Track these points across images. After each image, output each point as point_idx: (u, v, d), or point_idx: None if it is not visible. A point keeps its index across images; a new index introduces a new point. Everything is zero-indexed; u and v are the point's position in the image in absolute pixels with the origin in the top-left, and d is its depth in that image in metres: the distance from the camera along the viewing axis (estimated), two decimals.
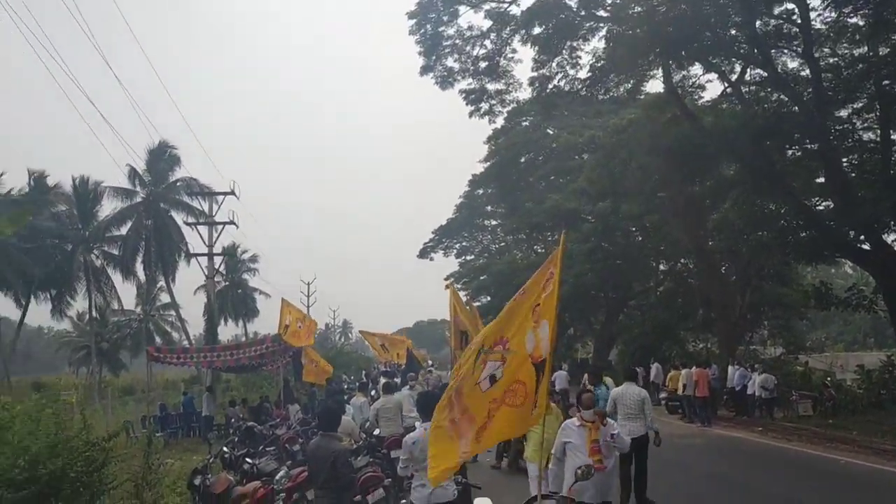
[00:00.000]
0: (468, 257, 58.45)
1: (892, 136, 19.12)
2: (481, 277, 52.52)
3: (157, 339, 47.39)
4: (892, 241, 19.39)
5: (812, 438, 16.54)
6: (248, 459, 10.83)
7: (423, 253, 57.80)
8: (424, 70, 25.61)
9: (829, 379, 22.81)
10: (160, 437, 21.94)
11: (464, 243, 58.92)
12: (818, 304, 21.36)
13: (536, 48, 23.12)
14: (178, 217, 41.16)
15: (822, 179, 21.08)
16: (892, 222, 18.49)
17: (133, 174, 40.90)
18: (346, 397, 17.32)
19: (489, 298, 50.78)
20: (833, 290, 21.10)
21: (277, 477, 8.47)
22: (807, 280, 31.84)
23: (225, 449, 12.78)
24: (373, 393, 21.62)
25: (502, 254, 53.81)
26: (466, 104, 26.92)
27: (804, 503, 10.48)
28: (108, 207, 41.92)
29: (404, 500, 7.82)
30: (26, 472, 7.21)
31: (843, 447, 15.11)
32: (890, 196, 17.24)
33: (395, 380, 18.19)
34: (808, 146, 20.49)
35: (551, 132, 43.17)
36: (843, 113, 20.28)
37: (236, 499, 8.70)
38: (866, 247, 19.11)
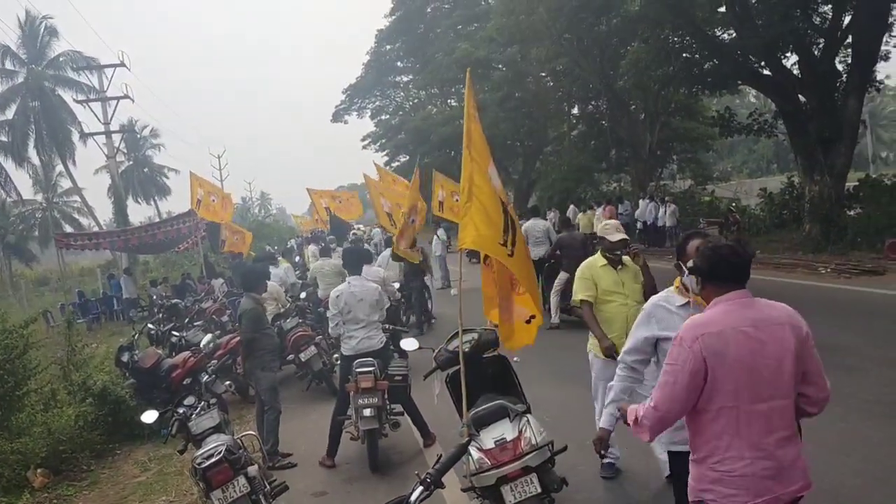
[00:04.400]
0: (383, 117, 57.09)
1: None
2: (398, 136, 51.87)
3: (67, 227, 45.55)
4: (791, 66, 19.85)
5: None
6: (174, 332, 10.81)
7: (337, 116, 56.13)
8: None
9: (733, 205, 23.94)
10: (82, 323, 21.66)
11: (377, 103, 57.26)
12: (722, 130, 22.04)
13: None
14: (67, 95, 38.52)
15: (723, 9, 21.12)
16: (791, 46, 18.86)
17: (7, 53, 37.77)
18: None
19: (407, 157, 50.48)
20: (737, 117, 21.73)
21: (202, 343, 8.46)
22: (713, 113, 32.71)
23: (150, 326, 12.70)
24: (297, 259, 21.64)
25: (417, 110, 52.79)
26: None
27: None
28: None
29: (337, 355, 7.99)
30: None
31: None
32: (789, 21, 17.50)
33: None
34: None
35: None
36: None
37: (168, 370, 8.75)
38: (767, 72, 19.53)
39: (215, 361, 8.35)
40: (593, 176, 35.04)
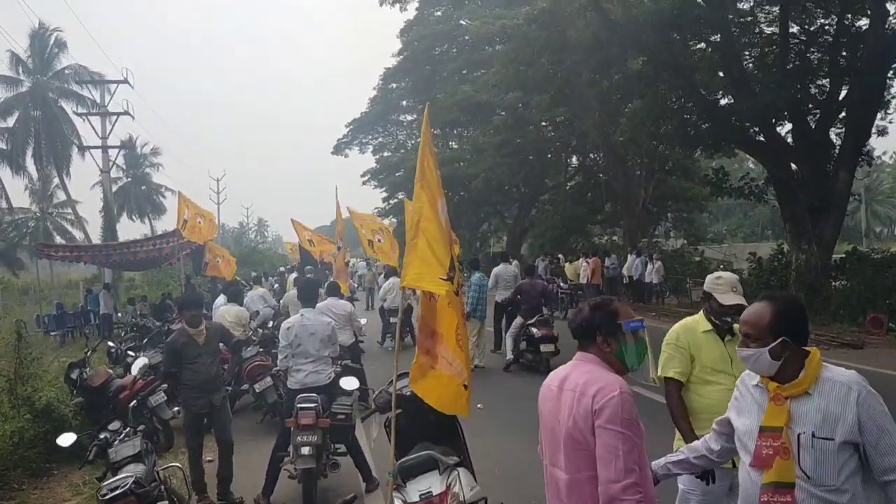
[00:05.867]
0: (385, 154, 57.20)
1: (792, 30, 19.39)
2: (397, 174, 51.93)
3: (58, 238, 45.35)
4: (785, 134, 19.95)
5: None
6: (130, 353, 10.57)
7: (338, 149, 56.18)
8: None
9: (721, 266, 23.84)
10: (55, 336, 21.39)
11: (380, 139, 57.48)
12: (714, 190, 22.04)
13: None
14: (69, 107, 38.70)
15: (722, 74, 21.32)
16: (786, 114, 18.98)
17: (15, 60, 38.01)
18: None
19: (404, 195, 50.44)
20: (730, 178, 21.75)
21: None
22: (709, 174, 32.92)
23: (111, 344, 12.46)
24: (275, 287, 21.46)
25: (418, 149, 52.80)
26: None
27: None
28: None
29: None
30: None
31: None
32: (786, 90, 17.61)
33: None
34: (711, 39, 20.59)
35: (464, 23, 42.08)
36: (746, 5, 20.41)
37: (116, 390, 8.50)
38: (761, 138, 19.61)
39: (165, 385, 8.11)
40: (586, 227, 35.07)
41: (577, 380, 2.61)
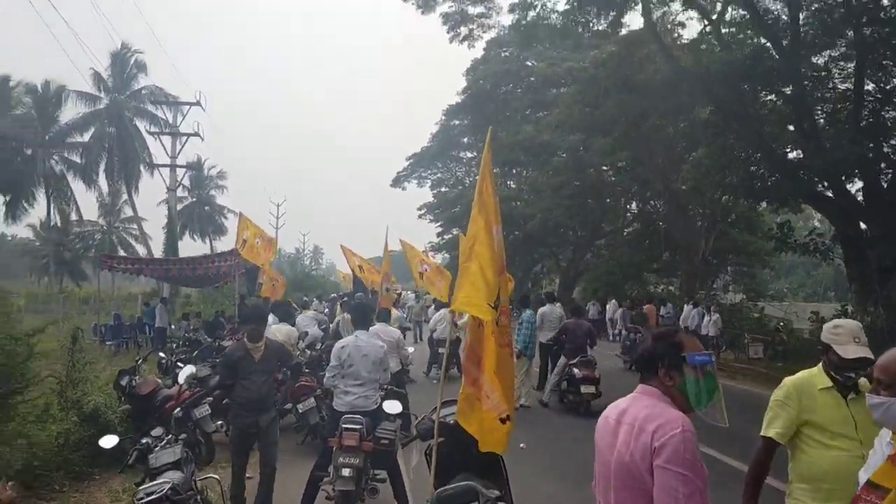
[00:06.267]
0: (442, 189, 57.63)
1: (867, 87, 18.92)
2: (453, 209, 52.17)
3: (121, 252, 46.74)
4: (855, 191, 19.37)
5: (758, 378, 16.80)
6: (179, 364, 10.67)
7: (397, 181, 56.90)
8: None
9: (782, 324, 23.10)
10: (110, 346, 21.88)
11: (439, 175, 58.02)
12: (778, 245, 21.40)
13: None
14: (142, 126, 40.21)
15: (793, 128, 20.91)
16: (857, 171, 18.44)
17: (97, 78, 39.65)
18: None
19: (459, 231, 50.55)
20: (795, 235, 21.17)
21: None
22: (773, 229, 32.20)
23: (162, 355, 12.64)
24: (326, 311, 21.64)
25: (475, 187, 53.01)
26: (446, 29, 26.22)
27: (731, 431, 10.55)
28: (70, 113, 40.82)
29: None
30: None
31: None
32: (858, 146, 17.14)
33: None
34: (783, 91, 20.23)
35: (530, 64, 42.38)
36: (821, 60, 20.02)
37: (163, 400, 8.56)
38: (829, 194, 19.09)
39: (211, 398, 8.13)
40: (642, 274, 34.52)
41: (637, 413, 2.45)
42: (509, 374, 4.62)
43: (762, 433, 3.53)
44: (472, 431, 4.40)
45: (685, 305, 23.71)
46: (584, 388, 11.75)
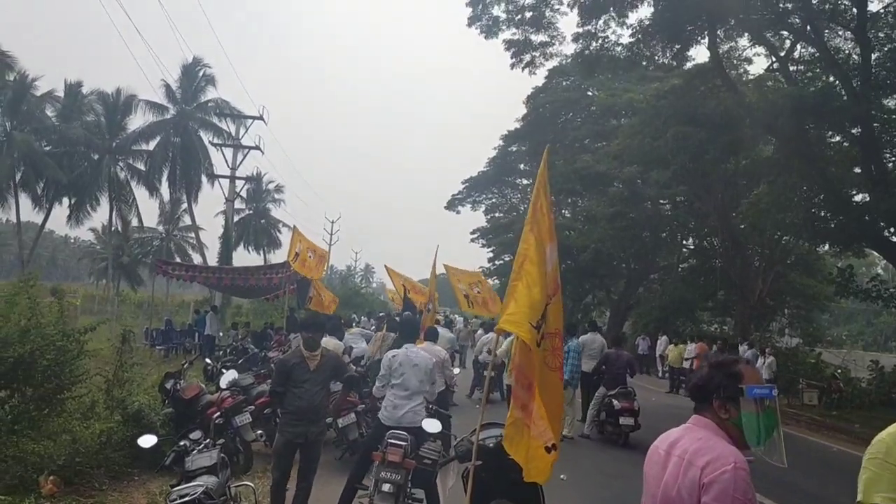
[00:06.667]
0: (496, 214, 57.45)
1: None
2: (507, 235, 51.96)
3: (178, 259, 47.81)
4: None
5: (811, 425, 16.21)
6: (223, 371, 10.75)
7: (451, 204, 56.90)
8: (471, 21, 24.93)
9: (839, 372, 22.29)
10: (160, 350, 22.30)
11: (493, 200, 57.90)
12: (839, 289, 20.71)
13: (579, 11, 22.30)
14: (206, 137, 41.14)
15: (859, 170, 20.31)
16: None
17: (168, 90, 40.80)
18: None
19: (510, 257, 50.33)
20: (857, 279, 20.44)
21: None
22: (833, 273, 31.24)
23: (208, 361, 12.78)
24: (373, 328, 21.67)
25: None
26: (509, 55, 26.31)
27: (778, 478, 10.11)
28: (138, 121, 42.06)
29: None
30: None
31: (840, 437, 14.76)
32: None
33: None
34: (851, 132, 19.69)
35: (591, 94, 42.16)
36: (892, 102, 19.46)
37: (205, 405, 8.61)
38: (895, 240, 18.45)
39: (252, 407, 8.16)
40: (695, 312, 33.75)
41: (687, 446, 2.31)
42: (557, 399, 4.49)
43: (863, 500, 2.86)
44: (519, 459, 4.25)
45: (739, 346, 23.07)
46: (622, 420, 11.54)
